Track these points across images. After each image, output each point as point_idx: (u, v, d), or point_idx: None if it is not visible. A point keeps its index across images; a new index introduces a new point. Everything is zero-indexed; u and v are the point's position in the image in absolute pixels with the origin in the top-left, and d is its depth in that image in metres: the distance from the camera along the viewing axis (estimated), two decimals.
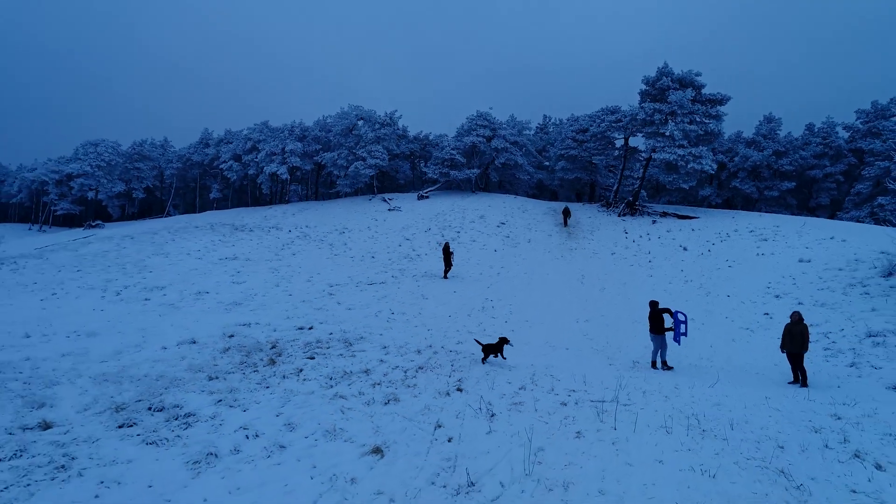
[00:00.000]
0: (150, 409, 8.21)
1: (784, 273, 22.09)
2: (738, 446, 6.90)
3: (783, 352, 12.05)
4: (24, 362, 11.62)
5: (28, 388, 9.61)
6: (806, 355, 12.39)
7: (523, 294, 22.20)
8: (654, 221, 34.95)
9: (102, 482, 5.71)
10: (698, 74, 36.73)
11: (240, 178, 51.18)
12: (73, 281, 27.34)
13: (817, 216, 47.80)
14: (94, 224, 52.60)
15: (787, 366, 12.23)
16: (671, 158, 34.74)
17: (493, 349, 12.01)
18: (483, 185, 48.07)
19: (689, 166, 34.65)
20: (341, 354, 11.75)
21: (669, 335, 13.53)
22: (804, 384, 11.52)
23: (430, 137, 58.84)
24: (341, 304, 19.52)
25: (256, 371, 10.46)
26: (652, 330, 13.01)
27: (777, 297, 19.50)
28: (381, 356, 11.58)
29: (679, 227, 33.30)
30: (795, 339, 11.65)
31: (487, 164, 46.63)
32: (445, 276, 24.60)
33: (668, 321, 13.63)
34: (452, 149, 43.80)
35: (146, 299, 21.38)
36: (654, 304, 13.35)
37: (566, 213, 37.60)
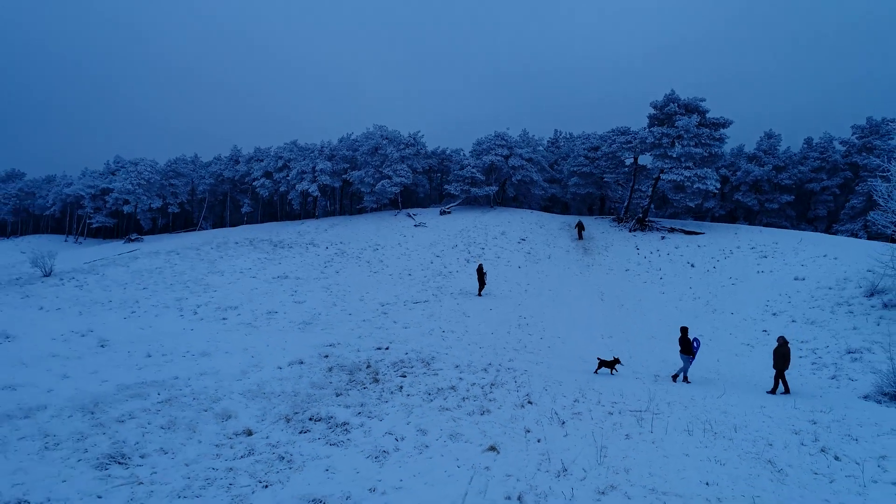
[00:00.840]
0: (311, 419, 11.22)
1: (781, 291, 25.02)
2: (740, 444, 9.87)
3: (775, 369, 15.04)
4: (174, 380, 14.70)
5: (200, 402, 12.61)
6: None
7: (551, 311, 25.19)
8: (662, 237, 37.87)
9: (327, 469, 8.71)
10: (702, 100, 39.63)
11: (270, 194, 54.35)
12: (146, 299, 30.41)
13: (815, 227, 50.70)
14: (133, 238, 55.75)
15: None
16: (678, 179, 37.65)
17: (608, 364, 15.97)
18: (500, 199, 51.08)
19: (694, 186, 37.55)
20: (425, 373, 14.75)
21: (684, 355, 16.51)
22: (786, 391, 14.54)
23: (447, 152, 62.02)
24: (397, 323, 22.55)
25: (366, 388, 13.47)
26: (682, 351, 15.84)
27: (774, 314, 22.43)
28: (458, 374, 14.57)
29: (686, 243, 36.21)
30: (778, 359, 14.65)
31: (504, 180, 49.71)
32: (480, 294, 27.62)
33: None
34: (473, 167, 46.85)
35: (224, 318, 24.45)
36: (684, 331, 16.09)
37: (580, 227, 40.60)
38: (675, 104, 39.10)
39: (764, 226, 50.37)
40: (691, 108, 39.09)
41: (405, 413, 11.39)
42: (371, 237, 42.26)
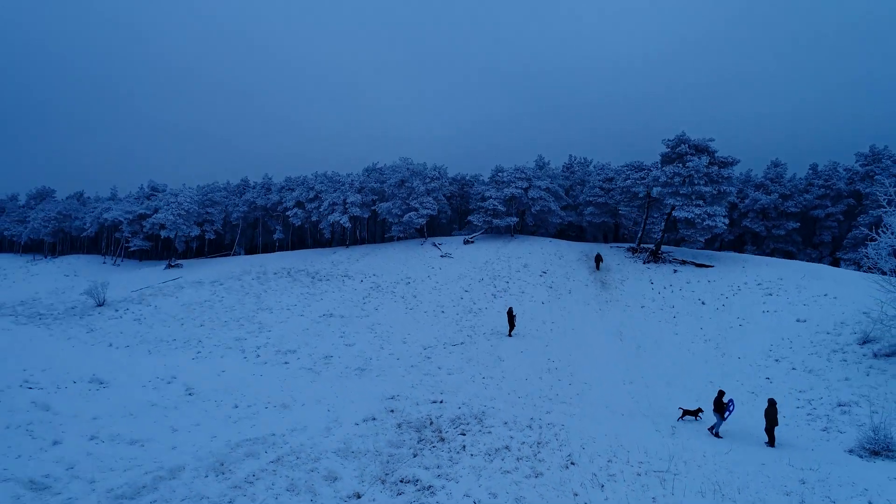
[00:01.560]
0: (401, 481, 14.18)
1: (784, 334, 27.68)
2: None
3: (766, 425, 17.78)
4: (272, 437, 17.71)
5: (303, 462, 15.56)
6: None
7: (576, 354, 28.00)
8: (675, 270, 40.54)
9: None
10: (711, 140, 42.27)
11: (302, 223, 57.61)
12: (207, 338, 33.61)
13: (820, 252, 53.06)
14: (173, 264, 59.19)
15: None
16: (689, 216, 40.31)
17: (692, 413, 19.31)
18: (519, 227, 53.89)
19: (704, 223, 40.19)
20: (480, 430, 17.67)
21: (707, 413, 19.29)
22: (771, 445, 17.38)
23: (467, 178, 65.12)
24: (441, 369, 25.50)
25: (435, 447, 16.41)
26: (715, 410, 18.50)
27: (777, 360, 25.12)
28: (508, 433, 17.45)
29: (697, 277, 38.86)
30: (769, 419, 17.46)
31: (523, 210, 52.59)
32: (510, 334, 30.53)
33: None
34: (494, 199, 49.76)
35: (286, 363, 27.57)
36: (721, 393, 18.62)
37: (598, 259, 43.42)
38: (686, 145, 41.75)
39: (771, 251, 52.93)
40: (701, 149, 41.73)
41: (475, 476, 14.30)
42: (402, 269, 45.25)
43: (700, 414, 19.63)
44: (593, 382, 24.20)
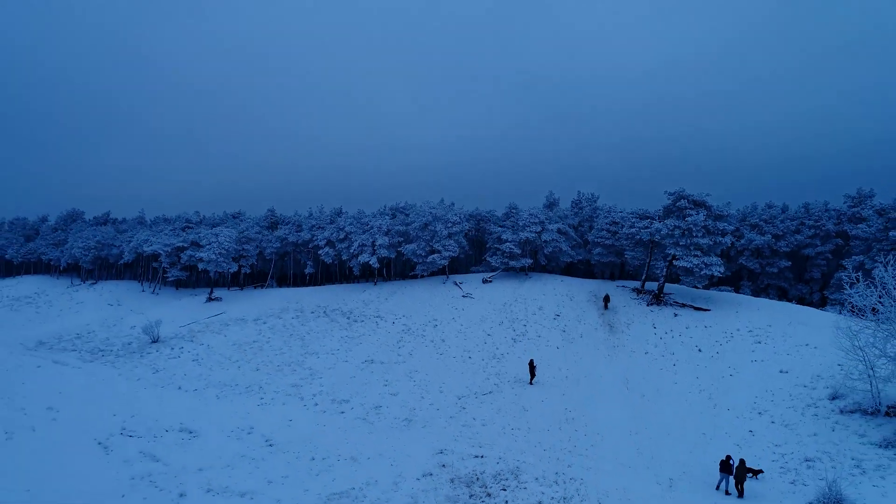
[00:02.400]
0: None
1: (768, 386, 32.15)
2: None
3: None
4: (352, 491, 22.40)
5: None
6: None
7: (589, 402, 32.48)
8: (675, 314, 45.02)
9: None
10: (708, 195, 46.79)
11: (333, 261, 62.47)
12: (267, 384, 38.38)
13: (811, 287, 57.42)
14: (213, 297, 64.10)
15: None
16: (689, 266, 44.83)
17: (741, 475, 22.06)
18: (533, 265, 58.44)
19: (702, 272, 44.69)
20: (517, 486, 22.29)
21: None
22: (740, 496, 21.83)
23: (482, 213, 69.91)
24: (476, 420, 30.14)
25: (484, 502, 21.09)
26: (721, 470, 22.75)
27: (759, 413, 29.61)
28: (540, 488, 22.03)
29: (695, 321, 43.31)
30: (738, 475, 21.95)
31: (536, 250, 57.26)
32: (531, 383, 35.16)
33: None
34: (510, 242, 54.45)
35: (342, 412, 32.31)
36: (728, 457, 22.58)
37: (606, 299, 48.12)
38: (686, 200, 46.28)
39: (765, 287, 57.35)
40: (699, 203, 46.25)
41: None
42: (428, 310, 49.91)
43: (760, 474, 23.09)
44: (604, 433, 28.75)
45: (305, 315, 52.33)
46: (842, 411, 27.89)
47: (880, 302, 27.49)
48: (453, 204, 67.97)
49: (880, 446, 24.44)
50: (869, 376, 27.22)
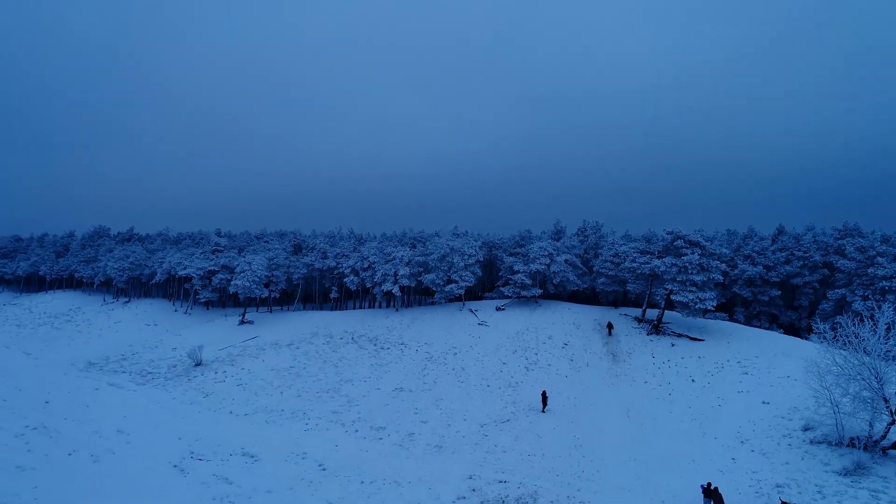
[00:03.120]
0: None
1: (751, 416, 36.76)
2: None
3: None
4: None
5: None
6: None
7: (595, 430, 37.20)
8: (672, 344, 49.68)
9: None
10: (700, 232, 51.46)
11: (357, 288, 67.49)
12: (310, 409, 43.13)
13: (799, 314, 61.90)
14: (245, 320, 69.13)
15: None
16: (684, 300, 49.50)
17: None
18: (542, 292, 63.23)
19: (696, 306, 49.34)
20: None
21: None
22: None
23: (495, 240, 74.77)
24: (497, 447, 34.90)
25: None
26: (705, 495, 27.45)
27: (742, 442, 34.21)
28: None
29: (690, 352, 47.94)
30: (715, 500, 26.60)
31: (546, 280, 62.06)
32: (544, 411, 39.91)
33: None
34: (522, 273, 59.26)
35: (380, 438, 37.12)
36: (709, 484, 27.44)
37: (609, 326, 52.88)
38: (682, 240, 50.98)
39: (757, 313, 61.87)
40: (693, 242, 50.93)
41: None
42: (448, 338, 54.72)
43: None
44: (608, 459, 33.48)
45: (335, 341, 57.25)
46: (811, 442, 32.51)
47: (849, 341, 31.99)
48: (467, 232, 72.85)
49: (840, 474, 29.03)
50: (834, 412, 31.86)
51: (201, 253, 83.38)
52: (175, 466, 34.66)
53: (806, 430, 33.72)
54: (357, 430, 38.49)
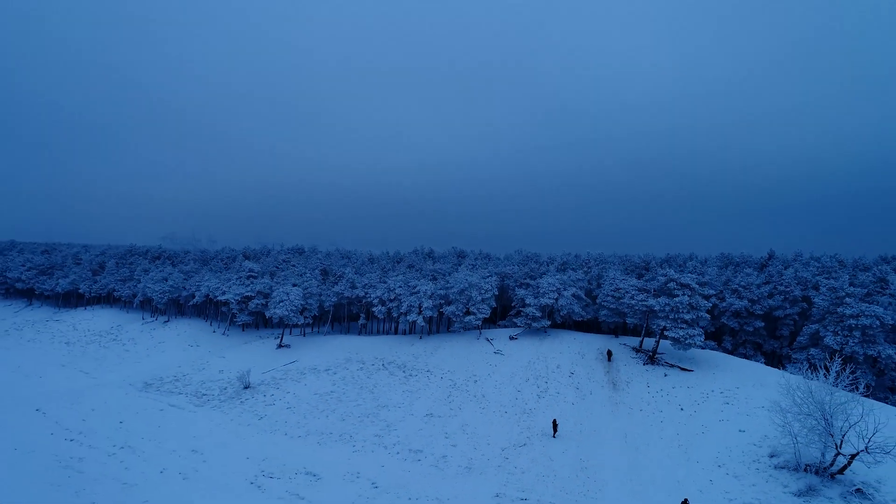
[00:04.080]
0: None
1: (729, 443, 43.68)
2: None
3: None
4: None
5: None
6: None
7: (598, 453, 44.19)
8: (665, 374, 56.67)
9: None
10: (696, 260, 58.48)
11: (384, 316, 74.76)
12: (355, 432, 50.07)
13: (781, 343, 68.80)
14: (283, 344, 76.42)
15: None
16: (676, 336, 56.53)
17: None
18: (549, 323, 70.35)
19: (687, 341, 56.36)
20: None
21: None
22: None
23: (506, 271, 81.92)
24: (517, 468, 41.94)
25: None
26: None
27: (719, 466, 41.15)
28: None
29: (680, 382, 54.87)
30: None
31: (553, 312, 69.20)
32: (554, 436, 46.98)
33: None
34: (533, 307, 66.41)
35: (418, 460, 44.23)
36: (685, 501, 34.70)
37: (609, 353, 59.96)
38: (674, 282, 58.03)
39: (743, 341, 68.81)
40: (684, 285, 57.95)
41: None
42: (468, 366, 61.85)
43: None
44: (609, 479, 40.48)
45: (368, 367, 64.46)
46: (776, 467, 39.46)
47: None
48: (488, 255, 79.91)
49: (796, 495, 36.01)
50: (793, 442, 38.85)
51: (237, 278, 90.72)
52: (251, 483, 41.89)
53: (772, 456, 40.68)
54: (398, 453, 45.64)
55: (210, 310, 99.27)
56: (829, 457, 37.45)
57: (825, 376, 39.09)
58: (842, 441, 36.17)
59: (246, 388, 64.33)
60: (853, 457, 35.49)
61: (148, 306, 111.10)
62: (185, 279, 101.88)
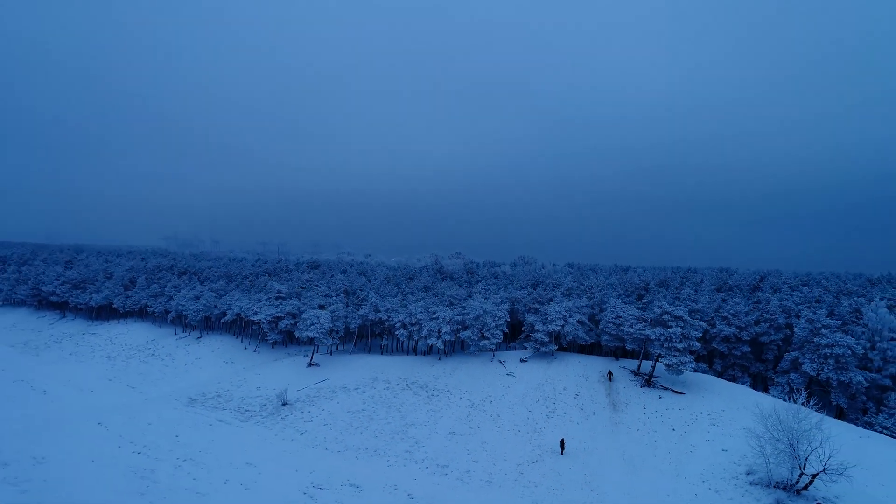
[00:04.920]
0: None
1: (713, 461, 50.43)
2: None
3: None
4: None
5: None
6: None
7: (600, 469, 51.01)
8: (660, 396, 63.47)
9: None
10: (685, 309, 65.35)
11: (406, 339, 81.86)
12: (388, 448, 56.82)
13: (766, 365, 75.55)
14: (312, 363, 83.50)
15: None
16: (669, 363, 63.37)
17: None
18: (556, 347, 77.22)
19: (679, 367, 63.18)
20: None
21: None
22: None
23: (516, 296, 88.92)
24: (531, 482, 48.70)
25: None
26: None
27: (703, 482, 47.93)
28: None
29: (673, 404, 61.62)
30: None
31: (560, 337, 76.16)
32: (562, 453, 53.81)
33: None
34: (541, 332, 73.36)
35: (445, 474, 51.06)
36: None
37: (610, 374, 66.81)
38: (669, 315, 64.91)
39: (731, 364, 75.59)
40: (677, 317, 64.82)
41: None
42: (483, 387, 68.74)
43: None
44: (609, 493, 47.28)
45: (393, 387, 71.44)
46: (751, 483, 46.22)
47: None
48: (507, 273, 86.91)
49: None
50: (766, 462, 45.64)
51: (266, 299, 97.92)
52: (304, 494, 48.71)
53: (748, 473, 47.42)
54: (427, 467, 52.55)
55: (240, 327, 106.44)
56: (795, 475, 44.13)
57: (797, 400, 45.95)
58: (805, 463, 42.87)
59: (284, 404, 71.18)
60: (814, 476, 42.20)
61: (179, 321, 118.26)
62: (216, 298, 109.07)
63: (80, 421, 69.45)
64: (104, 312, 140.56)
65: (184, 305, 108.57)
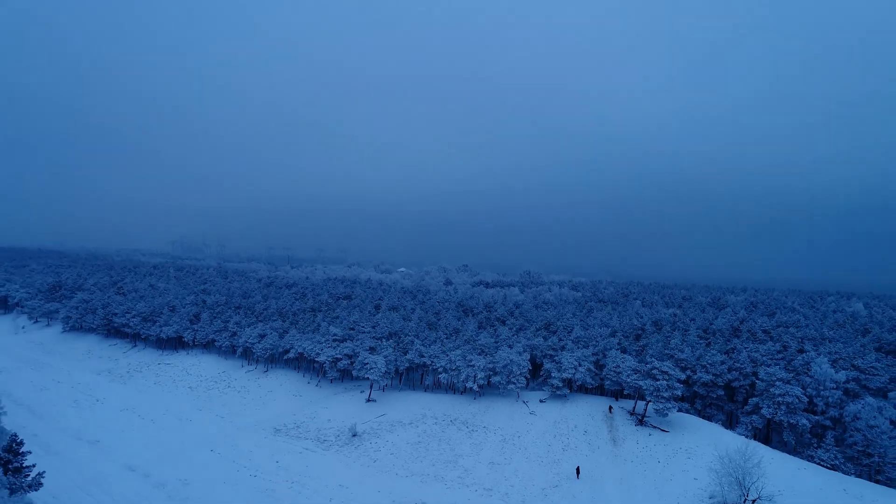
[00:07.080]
0: None
1: (685, 489, 68.03)
2: None
3: None
4: None
5: None
6: None
7: (604, 493, 68.64)
8: (650, 434, 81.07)
9: None
10: (673, 358, 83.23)
11: (447, 382, 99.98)
12: (447, 476, 74.94)
13: (736, 404, 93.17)
14: (370, 398, 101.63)
15: None
16: (658, 408, 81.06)
17: None
18: (569, 390, 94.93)
19: (664, 411, 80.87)
20: None
21: None
22: None
23: (535, 344, 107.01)
24: (553, 502, 66.59)
25: None
26: None
27: (678, 502, 65.54)
28: None
29: (660, 440, 79.11)
30: None
31: (572, 382, 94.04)
32: (577, 478, 71.53)
33: None
34: (556, 378, 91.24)
35: (490, 496, 69.18)
36: None
37: (610, 408, 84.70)
38: (657, 370, 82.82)
39: (709, 404, 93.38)
40: (664, 371, 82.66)
41: None
42: (512, 424, 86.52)
43: None
44: None
45: (440, 422, 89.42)
46: None
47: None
48: (513, 316, 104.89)
49: None
50: (722, 490, 63.35)
51: (325, 341, 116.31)
52: None
53: (710, 497, 65.03)
54: (476, 490, 70.43)
55: (300, 362, 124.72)
56: (741, 500, 61.78)
57: (758, 437, 63.69)
58: (748, 491, 60.58)
59: (354, 435, 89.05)
60: (753, 501, 59.90)
61: (245, 354, 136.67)
62: (279, 338, 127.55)
63: (195, 448, 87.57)
64: (171, 342, 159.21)
65: (251, 343, 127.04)
